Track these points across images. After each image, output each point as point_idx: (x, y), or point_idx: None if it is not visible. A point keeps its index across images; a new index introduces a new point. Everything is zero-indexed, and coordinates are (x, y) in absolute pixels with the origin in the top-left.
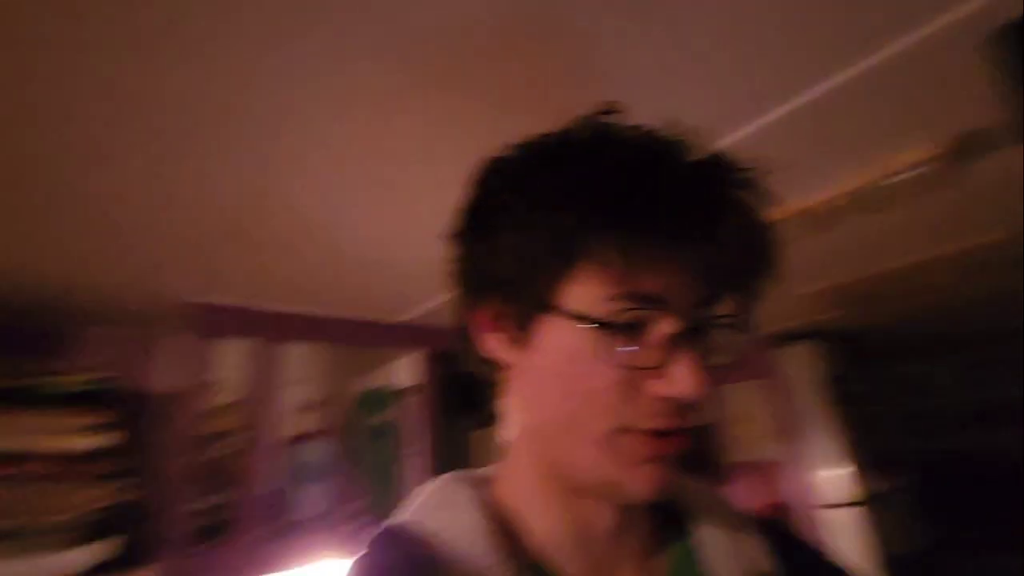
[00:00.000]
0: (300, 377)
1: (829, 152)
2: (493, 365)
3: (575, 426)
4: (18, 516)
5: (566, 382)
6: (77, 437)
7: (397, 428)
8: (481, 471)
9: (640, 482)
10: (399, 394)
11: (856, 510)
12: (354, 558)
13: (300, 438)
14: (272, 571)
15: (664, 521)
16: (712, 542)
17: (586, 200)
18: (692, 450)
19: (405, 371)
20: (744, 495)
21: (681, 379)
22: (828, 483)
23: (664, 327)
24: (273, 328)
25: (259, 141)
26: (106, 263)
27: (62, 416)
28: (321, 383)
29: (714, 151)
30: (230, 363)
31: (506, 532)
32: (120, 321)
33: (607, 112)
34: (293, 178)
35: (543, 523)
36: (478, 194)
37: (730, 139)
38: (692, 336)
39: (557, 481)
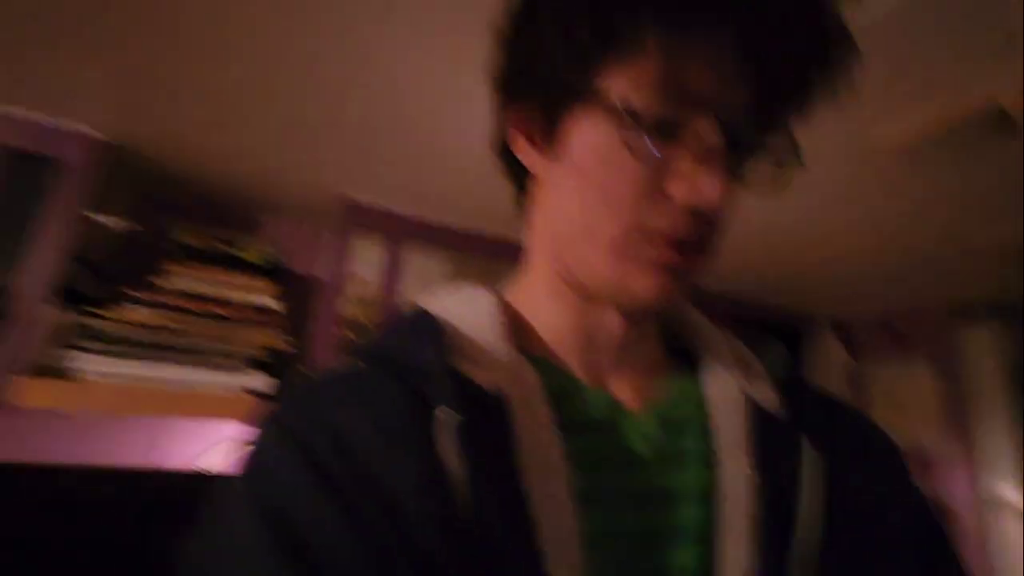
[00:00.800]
0: (427, 281)
1: None
2: (523, 176)
3: (592, 227)
4: (214, 343)
5: (589, 180)
6: (256, 295)
7: None
8: (501, 284)
9: (649, 286)
10: None
11: None
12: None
13: None
14: None
15: (675, 356)
16: (718, 380)
17: None
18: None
19: None
20: None
21: (705, 186)
22: (998, 489)
23: (700, 131)
24: (408, 231)
25: (399, 51)
26: (280, 160)
27: (246, 278)
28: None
29: None
30: (370, 260)
31: (517, 329)
32: (290, 213)
33: None
34: (428, 91)
35: (552, 324)
36: None
37: None
38: (728, 148)
39: (569, 286)
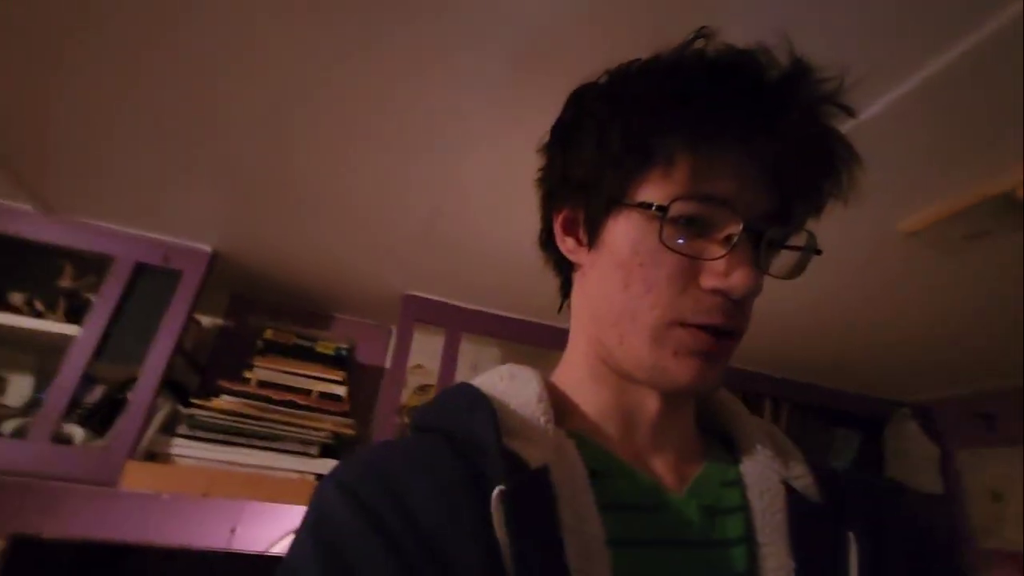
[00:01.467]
0: (481, 367)
1: None
2: (567, 268)
3: (631, 315)
4: (290, 429)
5: (627, 272)
6: (328, 385)
7: None
8: (548, 369)
9: (686, 371)
10: None
11: None
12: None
13: None
14: None
15: (715, 443)
16: (757, 466)
17: (661, 103)
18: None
19: None
20: None
21: (734, 276)
22: None
23: (728, 229)
24: (464, 322)
25: (444, 167)
26: (353, 264)
27: (321, 369)
28: None
29: (795, 60)
30: (429, 350)
31: (560, 407)
32: (359, 308)
33: (699, 37)
34: (484, 200)
35: (593, 402)
36: (565, 111)
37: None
38: (753, 242)
39: (608, 367)
